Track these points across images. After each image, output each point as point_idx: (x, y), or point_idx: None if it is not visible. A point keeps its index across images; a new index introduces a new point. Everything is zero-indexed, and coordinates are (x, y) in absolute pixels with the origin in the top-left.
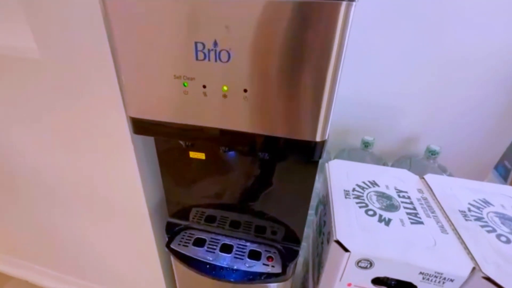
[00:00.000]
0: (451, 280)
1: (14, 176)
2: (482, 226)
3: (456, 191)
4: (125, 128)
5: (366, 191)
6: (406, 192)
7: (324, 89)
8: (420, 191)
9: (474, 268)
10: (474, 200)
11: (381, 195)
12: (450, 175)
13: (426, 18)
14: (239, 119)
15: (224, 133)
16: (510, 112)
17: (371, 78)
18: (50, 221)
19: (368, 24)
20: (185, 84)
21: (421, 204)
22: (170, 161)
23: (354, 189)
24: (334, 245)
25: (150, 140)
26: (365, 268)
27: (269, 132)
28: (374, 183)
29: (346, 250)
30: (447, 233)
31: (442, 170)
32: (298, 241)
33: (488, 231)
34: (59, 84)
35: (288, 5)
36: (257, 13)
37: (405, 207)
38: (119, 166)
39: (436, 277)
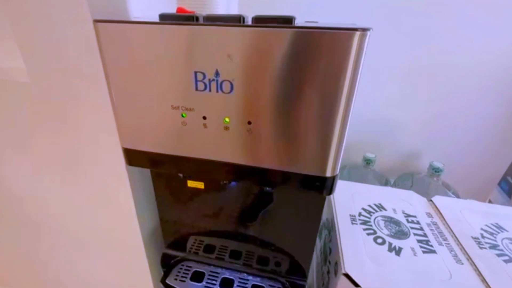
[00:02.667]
0: None
1: None
2: (498, 255)
3: (466, 214)
4: (119, 156)
5: (373, 216)
6: (414, 216)
7: (336, 122)
8: (429, 215)
9: None
10: (487, 225)
11: (389, 220)
12: (454, 192)
13: (426, 32)
14: (242, 152)
15: (225, 166)
16: None
17: (372, 93)
18: (37, 255)
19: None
20: (184, 115)
21: (432, 230)
22: (167, 190)
23: (360, 214)
24: (342, 279)
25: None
26: None
27: (275, 166)
28: (380, 207)
29: (356, 284)
30: (462, 263)
31: (446, 188)
32: (304, 275)
33: (505, 261)
34: (48, 108)
35: (298, 35)
36: (263, 42)
37: (415, 234)
38: (112, 194)
39: None
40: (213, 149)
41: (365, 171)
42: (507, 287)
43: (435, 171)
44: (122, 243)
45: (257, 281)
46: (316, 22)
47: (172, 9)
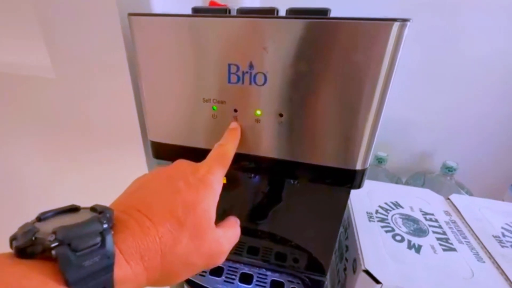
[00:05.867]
0: None
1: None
2: None
3: (485, 213)
4: (141, 152)
5: (390, 213)
6: (432, 214)
7: (370, 115)
8: (447, 213)
9: None
10: (507, 224)
11: (407, 218)
12: (468, 192)
13: (438, 30)
14: (272, 145)
15: (255, 159)
16: None
17: None
18: None
19: None
20: (215, 108)
21: (451, 228)
22: None
23: (377, 211)
24: (362, 275)
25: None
26: None
27: (306, 159)
28: (397, 205)
29: (377, 281)
30: (484, 262)
31: (460, 187)
32: (323, 271)
33: None
34: (72, 104)
35: (335, 26)
36: (298, 34)
37: (434, 232)
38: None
39: None
40: (243, 142)
41: (376, 169)
42: None
43: (449, 170)
44: None
45: (276, 276)
46: None
47: (196, 3)
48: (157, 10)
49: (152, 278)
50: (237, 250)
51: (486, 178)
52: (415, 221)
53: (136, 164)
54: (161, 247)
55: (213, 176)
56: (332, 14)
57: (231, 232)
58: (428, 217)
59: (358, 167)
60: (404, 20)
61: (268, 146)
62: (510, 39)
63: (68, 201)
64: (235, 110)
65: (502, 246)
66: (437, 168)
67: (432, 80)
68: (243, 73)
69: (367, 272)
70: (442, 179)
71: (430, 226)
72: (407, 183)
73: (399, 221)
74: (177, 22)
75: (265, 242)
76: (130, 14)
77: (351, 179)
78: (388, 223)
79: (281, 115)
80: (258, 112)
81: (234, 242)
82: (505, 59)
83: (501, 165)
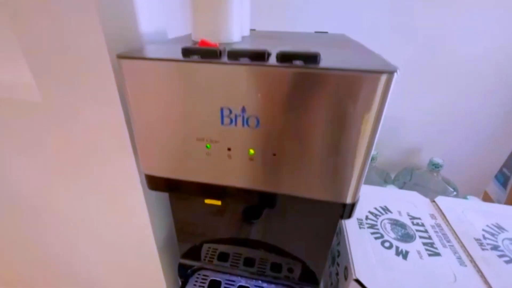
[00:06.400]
0: None
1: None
2: (500, 256)
3: (468, 215)
4: (136, 175)
5: (380, 219)
6: (419, 218)
7: (358, 156)
8: (433, 216)
9: None
10: (488, 226)
11: (395, 223)
12: (453, 187)
13: (426, 30)
14: (265, 180)
15: (248, 192)
16: (511, 122)
17: None
18: (46, 262)
19: (373, 33)
20: (208, 146)
21: (436, 232)
22: (183, 207)
23: (367, 217)
24: (354, 284)
25: None
26: None
27: (298, 193)
28: (386, 209)
29: None
30: (466, 266)
31: (446, 183)
32: (316, 282)
33: (506, 262)
34: (59, 128)
35: (323, 76)
36: (288, 81)
37: (420, 236)
38: (125, 206)
39: None
40: (237, 177)
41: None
42: (508, 287)
43: (435, 166)
44: (136, 252)
45: None
46: (326, 32)
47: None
48: (143, 22)
49: None
50: (232, 262)
51: (471, 171)
52: (403, 226)
53: (131, 183)
54: None
55: None
56: (323, 13)
57: None
58: (415, 221)
59: (349, 201)
60: (391, 72)
61: (261, 181)
62: (497, 40)
63: (56, 209)
64: (229, 149)
65: (483, 249)
66: (425, 164)
67: (421, 80)
68: (236, 116)
69: (358, 281)
70: (429, 175)
71: (417, 231)
72: (396, 179)
73: (388, 226)
74: (168, 66)
75: (259, 253)
76: (119, 57)
77: (342, 211)
78: (378, 229)
79: (274, 155)
80: (252, 151)
81: None
82: (492, 59)
83: (485, 158)
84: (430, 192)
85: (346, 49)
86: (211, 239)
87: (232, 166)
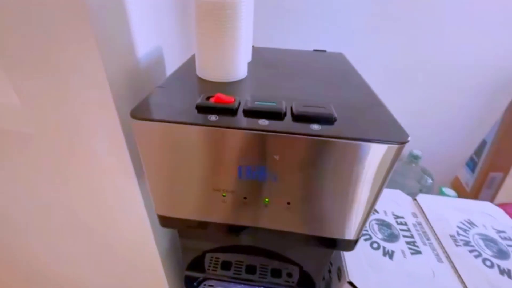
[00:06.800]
0: None
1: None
2: (470, 251)
3: (445, 212)
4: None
5: (368, 220)
6: (402, 217)
7: (367, 204)
8: (414, 215)
9: None
10: (461, 222)
11: (382, 223)
12: (430, 176)
13: (406, 26)
14: (279, 221)
15: (262, 230)
16: (483, 114)
17: None
18: (47, 272)
19: (356, 27)
20: (224, 194)
21: (417, 230)
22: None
23: None
24: (347, 286)
25: None
26: None
27: (308, 232)
28: (374, 210)
29: None
30: (442, 262)
31: (424, 172)
32: (314, 285)
33: (475, 256)
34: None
35: (339, 144)
36: (305, 146)
37: (404, 236)
38: (127, 217)
39: None
40: (251, 219)
41: None
42: (477, 280)
43: (414, 158)
44: (139, 264)
45: None
46: (324, 50)
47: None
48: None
49: None
50: (235, 271)
51: (447, 159)
52: (388, 226)
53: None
54: None
55: None
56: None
57: None
58: (399, 220)
59: (354, 238)
60: (402, 143)
61: (275, 223)
62: (471, 36)
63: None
64: (245, 198)
65: (457, 245)
66: (405, 155)
67: (397, 72)
68: (253, 172)
69: (351, 283)
70: (409, 166)
71: (401, 230)
72: None
73: (376, 227)
74: (182, 129)
75: (258, 259)
76: (133, 117)
77: (346, 245)
78: (367, 230)
79: (288, 203)
80: (267, 200)
81: None
82: (465, 56)
83: (458, 147)
84: (408, 180)
85: (353, 91)
86: (216, 248)
87: (247, 210)
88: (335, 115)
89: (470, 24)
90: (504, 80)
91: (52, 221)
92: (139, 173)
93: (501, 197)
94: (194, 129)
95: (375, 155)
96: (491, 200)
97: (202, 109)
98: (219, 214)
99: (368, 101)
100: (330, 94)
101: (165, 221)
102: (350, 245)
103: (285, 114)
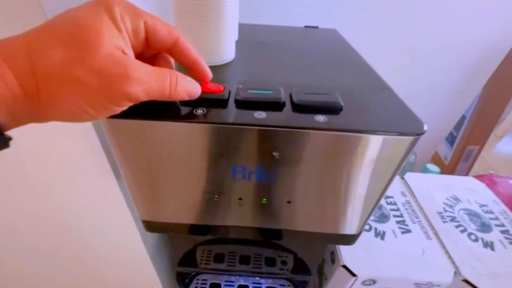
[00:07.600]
0: (438, 286)
1: None
2: (456, 227)
3: (432, 190)
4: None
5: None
6: (392, 197)
7: (374, 199)
8: (403, 194)
9: (455, 272)
10: (447, 199)
11: None
12: (414, 153)
13: (392, 5)
14: (278, 220)
15: (257, 230)
16: (463, 90)
17: None
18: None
19: (336, 10)
20: (216, 197)
21: (406, 209)
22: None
23: None
24: (341, 269)
25: None
26: (369, 285)
27: (310, 229)
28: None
29: (353, 274)
30: (431, 239)
31: None
32: (309, 272)
33: (461, 231)
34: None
35: (348, 138)
36: (312, 141)
37: (394, 216)
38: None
39: (426, 285)
40: (246, 220)
41: None
42: (463, 255)
43: None
44: (129, 264)
45: (269, 283)
46: (317, 27)
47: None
48: None
49: (29, 90)
50: (229, 263)
51: (428, 135)
52: (379, 207)
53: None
54: (28, 51)
55: None
56: None
57: (156, 69)
58: (389, 200)
59: (355, 232)
60: (419, 134)
61: (273, 222)
62: (458, 16)
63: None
64: (240, 199)
65: (444, 222)
66: None
67: (380, 51)
68: (250, 172)
69: (345, 267)
70: None
71: (391, 210)
72: None
73: None
74: (161, 127)
75: (252, 249)
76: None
77: (349, 239)
78: None
79: (289, 202)
80: (264, 200)
81: (156, 79)
82: (448, 38)
83: (439, 123)
84: None
85: (353, 73)
86: (208, 240)
87: (242, 211)
88: (342, 103)
89: (450, 2)
90: (483, 58)
91: (32, 223)
92: (118, 174)
93: (477, 168)
94: (177, 126)
95: (388, 147)
96: (467, 172)
97: (186, 101)
98: (211, 216)
99: (372, 84)
100: (330, 77)
101: (151, 226)
102: (353, 239)
103: (284, 103)
